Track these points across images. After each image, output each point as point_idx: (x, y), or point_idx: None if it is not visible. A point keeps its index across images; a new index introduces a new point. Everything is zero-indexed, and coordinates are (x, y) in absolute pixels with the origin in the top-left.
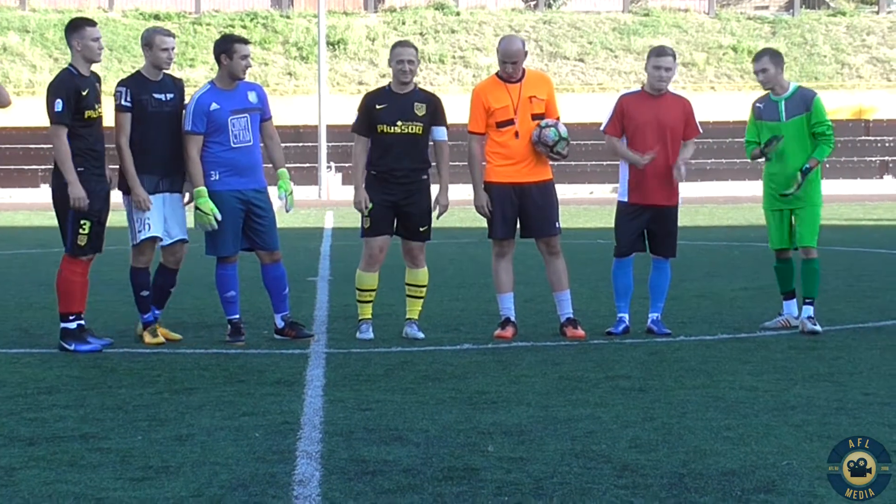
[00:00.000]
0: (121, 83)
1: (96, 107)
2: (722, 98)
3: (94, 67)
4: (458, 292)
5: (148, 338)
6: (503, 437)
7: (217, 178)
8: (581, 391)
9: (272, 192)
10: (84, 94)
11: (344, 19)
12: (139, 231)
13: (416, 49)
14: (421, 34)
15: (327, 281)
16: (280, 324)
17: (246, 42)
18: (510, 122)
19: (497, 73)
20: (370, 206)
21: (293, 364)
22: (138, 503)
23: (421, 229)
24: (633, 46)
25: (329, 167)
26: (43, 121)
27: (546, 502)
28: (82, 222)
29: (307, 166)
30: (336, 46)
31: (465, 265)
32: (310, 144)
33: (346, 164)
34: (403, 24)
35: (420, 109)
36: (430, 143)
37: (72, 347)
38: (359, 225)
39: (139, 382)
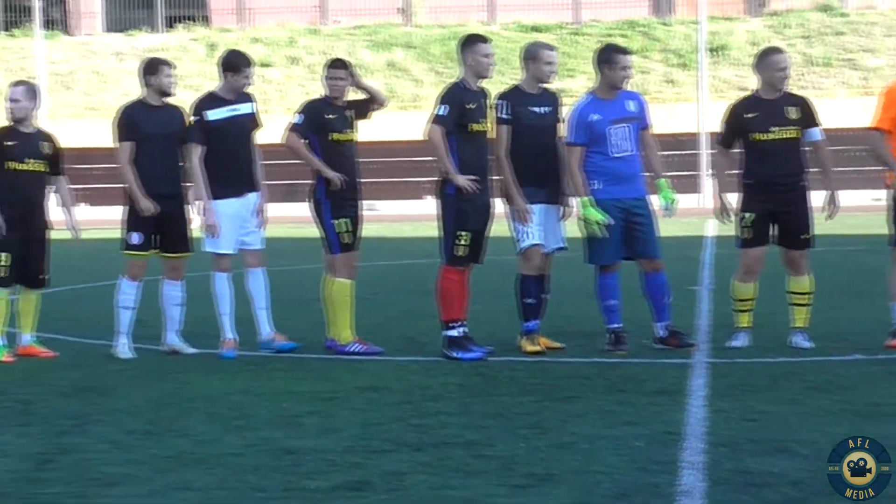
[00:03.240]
0: (500, 96)
1: (481, 121)
2: None
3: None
4: (845, 301)
5: (528, 346)
6: None
7: (599, 187)
8: None
9: (651, 200)
10: (470, 107)
11: (725, 24)
12: (520, 240)
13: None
14: (805, 37)
15: (709, 290)
16: (661, 332)
17: (627, 52)
18: None
19: None
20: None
21: (675, 373)
22: None
23: (802, 237)
24: None
25: (710, 175)
26: (424, 134)
27: None
28: (460, 233)
29: (687, 174)
30: (717, 52)
31: (851, 273)
32: (690, 152)
33: (729, 172)
34: (787, 27)
35: (792, 113)
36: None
37: (455, 355)
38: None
39: (521, 390)
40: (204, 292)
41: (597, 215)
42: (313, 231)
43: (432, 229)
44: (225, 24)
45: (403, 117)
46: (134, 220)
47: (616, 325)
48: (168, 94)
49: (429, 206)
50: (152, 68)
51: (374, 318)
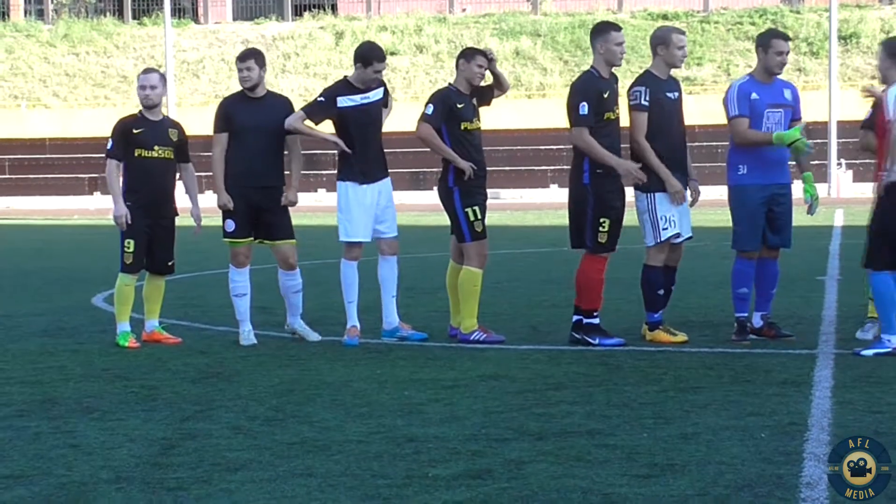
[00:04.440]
0: (638, 83)
1: (615, 109)
2: None
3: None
4: None
5: (668, 336)
6: None
7: (744, 171)
8: None
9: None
10: (605, 96)
11: (857, 12)
12: (664, 228)
13: None
14: None
15: (836, 280)
16: (758, 323)
17: (785, 38)
18: None
19: None
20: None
21: (800, 364)
22: (644, 500)
23: None
24: None
25: (839, 164)
26: (550, 123)
27: None
28: (602, 220)
29: (816, 164)
30: (848, 40)
31: None
32: (819, 141)
33: (857, 161)
34: None
35: None
36: None
37: (596, 342)
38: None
39: (644, 380)
40: (327, 279)
41: (793, 133)
42: (436, 219)
43: (557, 218)
44: (352, 13)
45: (530, 105)
46: (229, 209)
47: (743, 315)
48: (246, 88)
49: (553, 194)
50: (237, 60)
51: (497, 307)
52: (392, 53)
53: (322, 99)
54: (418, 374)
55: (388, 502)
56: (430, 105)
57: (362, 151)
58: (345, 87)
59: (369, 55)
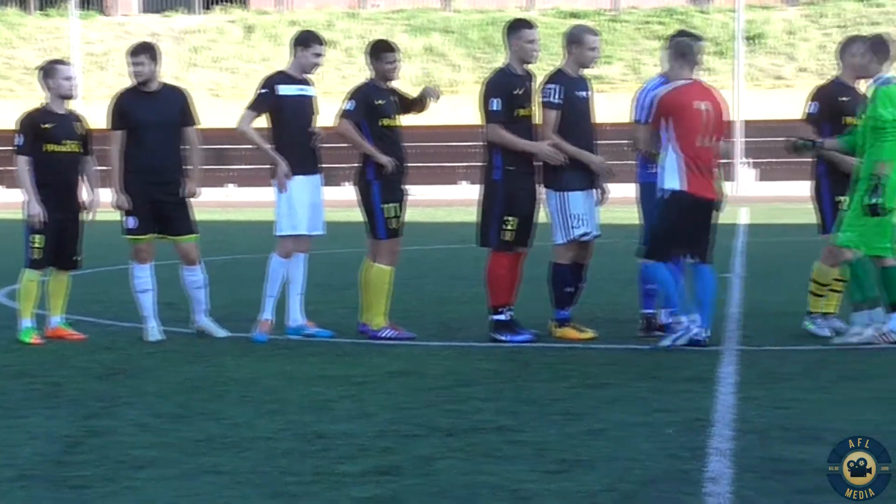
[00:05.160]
0: (551, 80)
1: (526, 105)
2: None
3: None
4: None
5: (577, 333)
6: None
7: (655, 169)
8: None
9: None
10: (517, 93)
11: (762, 13)
12: (574, 227)
13: None
14: (841, 27)
15: (740, 278)
16: (665, 319)
17: (699, 39)
18: None
19: None
20: None
21: (705, 361)
22: (552, 496)
23: None
24: None
25: (745, 163)
26: (461, 119)
27: None
28: (507, 218)
29: (723, 162)
30: (754, 41)
31: None
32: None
33: (762, 160)
34: (823, 17)
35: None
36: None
37: (504, 338)
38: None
39: (553, 377)
40: (237, 276)
41: None
42: (348, 215)
43: (467, 214)
44: (263, 7)
45: (440, 102)
46: (126, 209)
47: (649, 311)
48: (139, 83)
49: (463, 191)
50: (129, 55)
51: (407, 303)
52: None
53: (264, 90)
54: (328, 371)
55: (296, 499)
56: (351, 101)
57: (298, 142)
58: (283, 77)
59: (308, 37)
